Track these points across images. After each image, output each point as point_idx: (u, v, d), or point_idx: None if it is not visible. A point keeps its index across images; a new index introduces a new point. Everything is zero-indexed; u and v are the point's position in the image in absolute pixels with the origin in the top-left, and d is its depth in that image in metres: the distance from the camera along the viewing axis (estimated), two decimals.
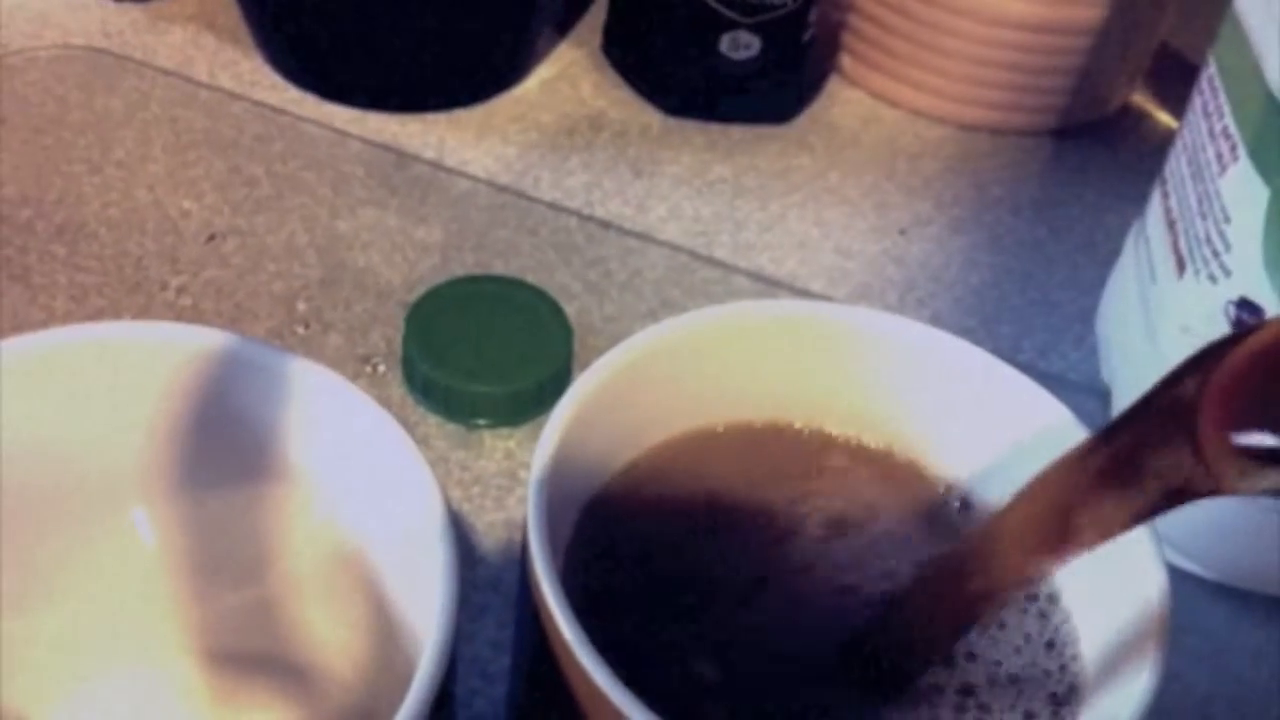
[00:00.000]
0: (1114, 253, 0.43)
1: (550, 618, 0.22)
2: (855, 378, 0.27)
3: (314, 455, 0.26)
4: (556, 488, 0.24)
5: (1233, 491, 0.18)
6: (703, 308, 0.27)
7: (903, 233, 0.47)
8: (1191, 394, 0.18)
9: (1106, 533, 0.19)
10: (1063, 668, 0.24)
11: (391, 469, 0.24)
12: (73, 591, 0.28)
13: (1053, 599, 0.24)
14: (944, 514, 0.26)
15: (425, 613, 0.23)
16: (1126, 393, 0.38)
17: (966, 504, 0.26)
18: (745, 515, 0.26)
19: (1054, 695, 0.23)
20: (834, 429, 0.28)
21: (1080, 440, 0.20)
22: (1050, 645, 0.24)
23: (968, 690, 0.23)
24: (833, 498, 0.26)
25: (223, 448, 0.27)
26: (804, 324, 0.27)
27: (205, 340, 0.26)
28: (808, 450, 0.27)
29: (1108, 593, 0.24)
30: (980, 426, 0.26)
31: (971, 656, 0.24)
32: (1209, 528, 0.35)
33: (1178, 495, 0.18)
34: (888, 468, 0.27)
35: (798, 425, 0.28)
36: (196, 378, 0.26)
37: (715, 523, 0.26)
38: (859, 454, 0.27)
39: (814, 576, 0.25)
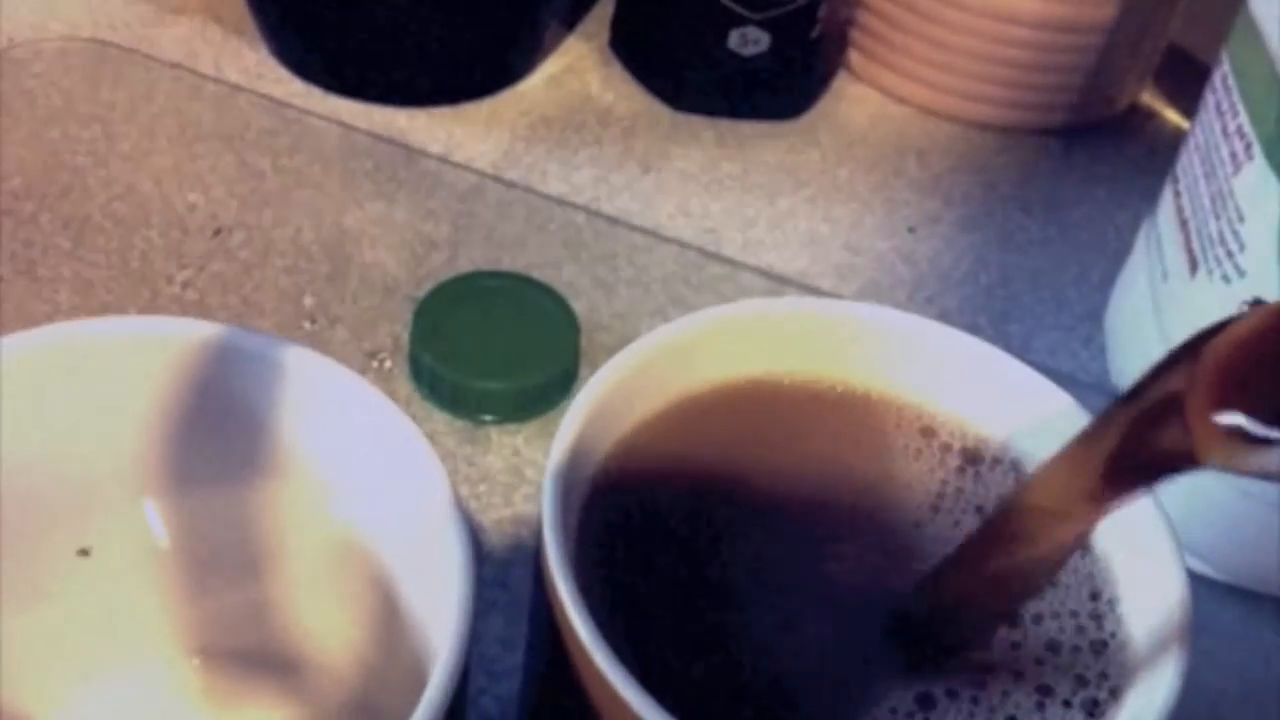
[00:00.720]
0: (1124, 251, 0.43)
1: (565, 617, 0.21)
2: (867, 371, 0.27)
3: (322, 449, 0.26)
4: (569, 484, 0.24)
5: (1224, 469, 0.19)
6: (712, 305, 0.27)
7: (912, 230, 0.47)
8: (1183, 379, 0.19)
9: (1114, 505, 0.21)
10: (1103, 675, 0.23)
11: (400, 463, 0.24)
12: (75, 588, 0.28)
13: (1112, 603, 0.24)
14: (970, 484, 0.26)
15: (435, 607, 0.23)
16: None
17: (996, 470, 0.26)
18: (753, 484, 0.26)
19: (1094, 700, 0.23)
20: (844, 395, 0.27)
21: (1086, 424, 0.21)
22: (1104, 646, 0.24)
23: (1015, 677, 0.23)
24: (847, 463, 0.26)
25: (229, 442, 0.26)
26: (815, 321, 0.27)
27: (211, 334, 0.26)
28: (818, 411, 0.27)
29: (1138, 596, 0.24)
30: (990, 416, 0.26)
31: (1017, 646, 0.24)
32: (1220, 529, 0.35)
33: (1173, 470, 0.20)
34: (906, 437, 0.27)
35: (801, 387, 0.27)
36: (202, 372, 0.26)
37: (724, 494, 0.25)
38: (873, 419, 0.27)
39: (832, 548, 0.25)
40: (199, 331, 0.26)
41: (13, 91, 0.46)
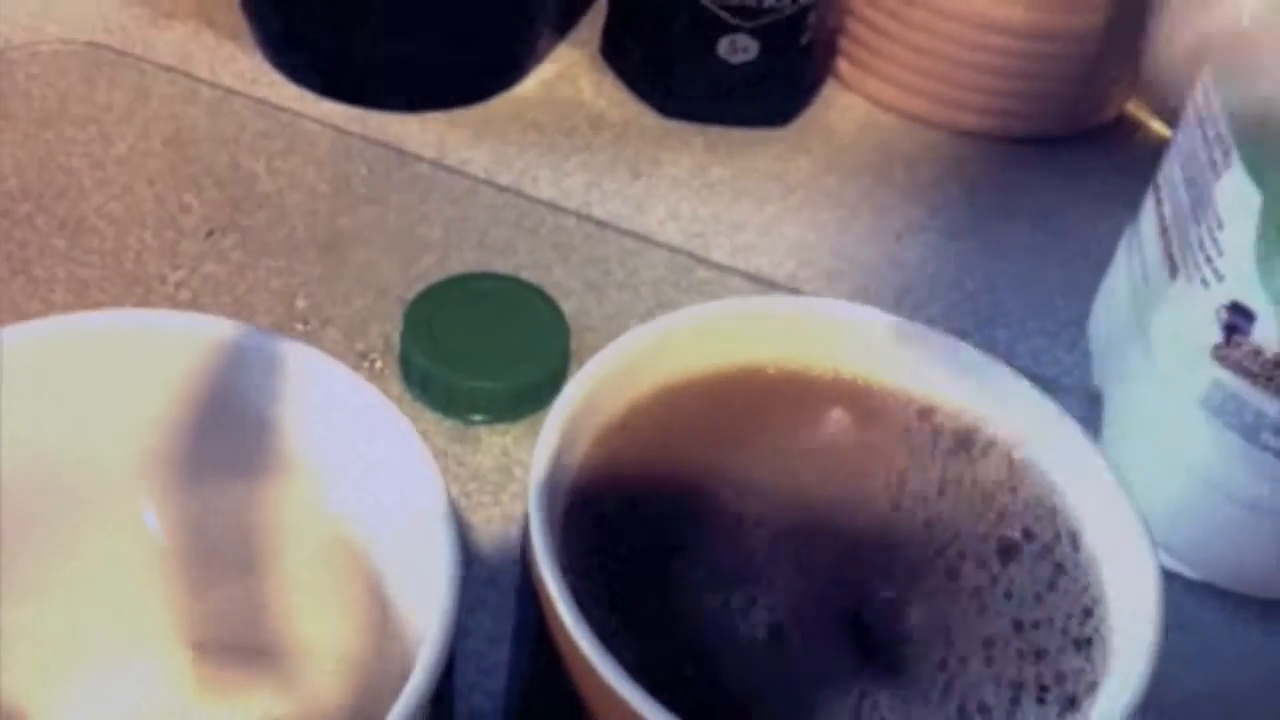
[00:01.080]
0: (1107, 258, 0.44)
1: (553, 610, 0.22)
2: (856, 362, 0.28)
3: (317, 444, 0.26)
4: (556, 479, 0.24)
5: None
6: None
7: (899, 237, 0.48)
8: None
9: None
10: (1081, 672, 0.24)
11: (394, 459, 0.25)
12: (72, 582, 0.28)
13: (1096, 601, 0.24)
14: (967, 469, 0.26)
15: (425, 601, 0.23)
16: (1117, 395, 0.39)
17: (990, 455, 0.27)
18: (742, 470, 0.26)
19: (1071, 697, 0.23)
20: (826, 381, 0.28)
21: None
22: (1086, 643, 0.24)
23: (994, 674, 0.24)
24: (838, 447, 0.27)
25: (225, 436, 0.27)
26: (802, 317, 0.28)
27: (208, 328, 0.26)
28: (808, 397, 0.27)
29: (1118, 595, 0.24)
30: (980, 408, 0.27)
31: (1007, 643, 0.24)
32: (1198, 529, 0.36)
33: None
34: (902, 421, 0.27)
35: (791, 375, 0.28)
36: (199, 366, 0.26)
37: (711, 482, 0.26)
38: (865, 403, 0.27)
39: (824, 535, 0.25)
40: (196, 326, 0.26)
41: (9, 93, 0.47)
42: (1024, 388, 0.27)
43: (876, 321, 0.28)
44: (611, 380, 0.26)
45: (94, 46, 0.49)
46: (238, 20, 0.51)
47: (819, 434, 0.27)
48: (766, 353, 0.28)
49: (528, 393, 0.38)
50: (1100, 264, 0.45)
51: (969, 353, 0.27)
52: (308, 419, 0.26)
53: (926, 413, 0.27)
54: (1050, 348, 0.44)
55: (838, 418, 0.27)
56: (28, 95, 0.47)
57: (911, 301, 0.45)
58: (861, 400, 0.27)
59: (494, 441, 0.38)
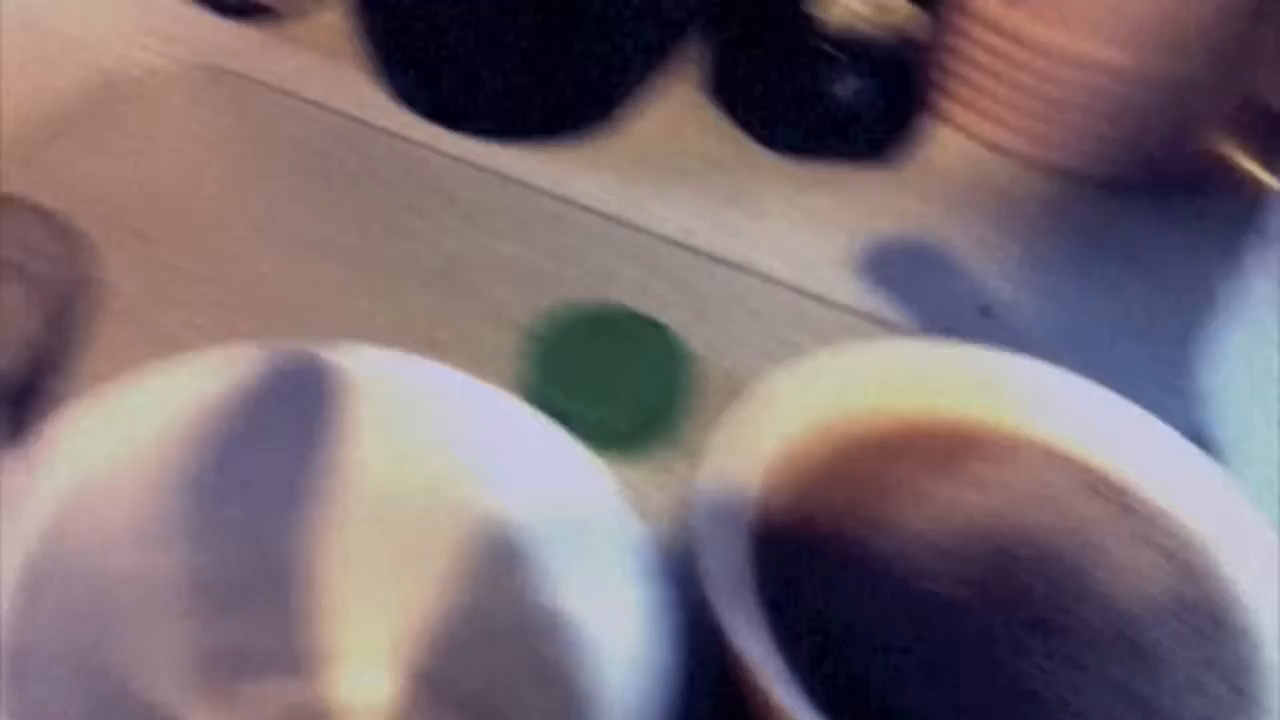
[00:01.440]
0: (1205, 300, 0.44)
1: (741, 658, 0.23)
2: (993, 408, 0.29)
3: (512, 494, 0.28)
4: (724, 520, 0.25)
5: None
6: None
7: (998, 274, 0.48)
8: None
9: None
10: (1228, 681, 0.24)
11: (589, 506, 0.26)
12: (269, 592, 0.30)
13: (1253, 655, 0.25)
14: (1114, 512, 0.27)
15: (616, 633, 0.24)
16: (1242, 446, 0.39)
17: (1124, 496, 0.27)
18: (904, 518, 0.27)
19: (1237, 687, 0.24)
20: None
21: None
22: (1250, 700, 0.25)
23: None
24: (983, 492, 0.28)
25: (414, 472, 0.28)
26: (948, 365, 0.29)
27: (405, 368, 0.28)
28: (947, 441, 0.28)
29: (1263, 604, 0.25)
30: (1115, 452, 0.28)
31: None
32: None
33: None
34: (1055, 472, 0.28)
35: (917, 415, 0.29)
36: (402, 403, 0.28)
37: (879, 527, 0.27)
38: (1009, 451, 0.28)
39: (976, 583, 0.26)
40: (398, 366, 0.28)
41: (135, 117, 0.48)
42: (1170, 437, 0.27)
43: (1026, 369, 0.28)
44: (765, 420, 0.27)
45: (220, 71, 0.51)
46: (354, 50, 0.52)
47: (969, 481, 0.28)
48: (909, 396, 0.29)
49: (653, 424, 0.39)
50: (1193, 305, 0.45)
51: (1107, 399, 0.28)
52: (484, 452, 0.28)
53: (1067, 461, 0.28)
54: (1148, 389, 0.45)
55: (986, 466, 0.28)
56: (153, 119, 0.48)
57: (1007, 340, 0.46)
58: (1008, 447, 0.28)
59: (619, 474, 0.38)
